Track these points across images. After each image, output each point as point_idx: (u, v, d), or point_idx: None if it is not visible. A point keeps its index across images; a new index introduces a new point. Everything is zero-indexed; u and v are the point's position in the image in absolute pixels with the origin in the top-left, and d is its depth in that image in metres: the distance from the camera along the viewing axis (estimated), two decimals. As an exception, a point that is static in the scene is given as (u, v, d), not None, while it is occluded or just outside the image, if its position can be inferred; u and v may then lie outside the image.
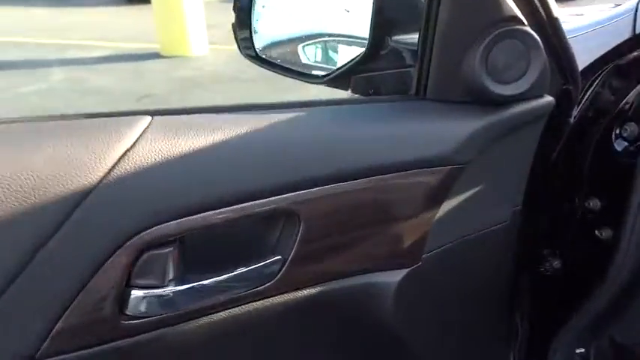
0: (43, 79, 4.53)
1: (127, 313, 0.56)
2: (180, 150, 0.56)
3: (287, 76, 0.94)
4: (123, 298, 0.56)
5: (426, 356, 0.80)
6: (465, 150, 0.73)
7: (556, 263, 0.91)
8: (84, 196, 0.51)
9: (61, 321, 0.53)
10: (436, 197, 0.73)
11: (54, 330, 0.53)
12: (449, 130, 0.72)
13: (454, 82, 0.73)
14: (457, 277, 0.80)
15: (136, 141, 0.55)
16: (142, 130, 0.56)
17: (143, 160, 0.54)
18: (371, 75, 0.85)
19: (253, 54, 0.95)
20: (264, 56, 0.95)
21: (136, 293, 0.56)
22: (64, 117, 0.57)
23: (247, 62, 0.95)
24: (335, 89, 0.90)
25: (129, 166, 0.54)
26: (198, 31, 5.58)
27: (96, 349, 0.56)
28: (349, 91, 0.88)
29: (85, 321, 0.54)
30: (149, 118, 0.58)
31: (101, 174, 0.52)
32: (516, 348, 0.95)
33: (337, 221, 0.67)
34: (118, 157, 0.53)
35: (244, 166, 0.60)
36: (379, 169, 0.68)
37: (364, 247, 0.70)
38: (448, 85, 0.74)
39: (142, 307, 0.57)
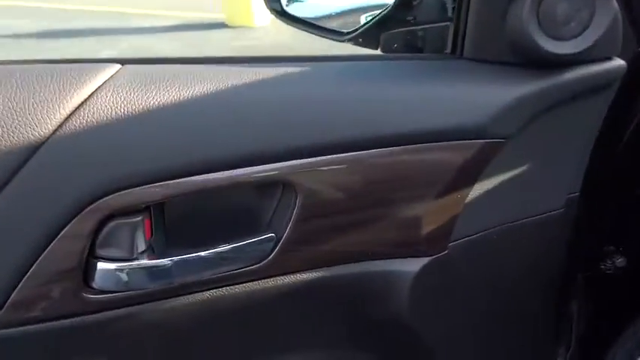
0: (110, 47, 4.66)
1: (94, 286, 0.50)
2: (151, 102, 0.48)
3: (312, 33, 0.84)
4: (87, 270, 0.50)
5: (442, 353, 0.69)
6: (507, 121, 0.60)
7: (620, 261, 0.78)
8: (32, 151, 0.45)
9: (17, 290, 0.48)
10: (469, 176, 0.62)
11: (10, 299, 0.48)
12: (488, 96, 0.60)
13: (497, 38, 0.60)
14: (490, 270, 0.69)
15: (97, 89, 0.47)
16: (106, 78, 0.48)
17: (104, 112, 0.47)
18: (401, 31, 0.73)
19: (279, 8, 0.87)
20: (289, 12, 0.86)
21: (102, 266, 0.50)
22: (21, 62, 0.51)
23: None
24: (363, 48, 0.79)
25: (87, 118, 0.46)
26: (261, 3, 5.61)
27: (61, 322, 0.50)
28: (378, 51, 0.77)
29: (46, 292, 0.49)
30: (118, 66, 0.50)
31: (52, 127, 0.45)
32: (568, 350, 0.83)
33: (344, 197, 0.57)
34: (73, 107, 0.46)
35: (232, 126, 0.51)
36: (400, 138, 0.57)
37: (377, 229, 0.60)
38: (489, 42, 0.62)
39: (110, 282, 0.51)
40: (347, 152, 0.55)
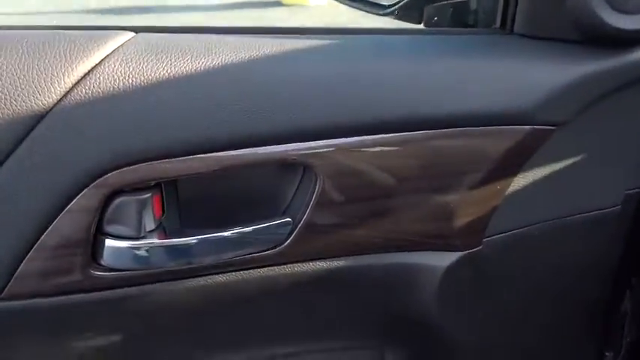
0: (162, 23, 4.71)
1: (102, 263, 0.48)
2: (163, 72, 0.45)
3: (353, 7, 0.79)
4: (95, 247, 0.48)
5: (472, 355, 0.64)
6: (559, 106, 0.54)
7: None
8: (36, 120, 0.43)
9: (25, 262, 0.46)
10: (512, 165, 0.56)
11: (18, 270, 0.46)
12: (539, 77, 0.54)
13: (553, 12, 0.54)
14: (529, 271, 0.63)
15: (106, 57, 0.45)
16: (116, 46, 0.45)
17: (113, 81, 0.44)
18: (446, 3, 0.67)
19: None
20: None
21: (111, 243, 0.48)
22: (27, 27, 0.48)
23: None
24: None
25: (94, 87, 0.44)
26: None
27: (69, 297, 0.49)
28: (421, 25, 0.71)
29: (54, 266, 0.47)
30: (130, 33, 0.47)
31: (58, 95, 0.43)
32: (618, 356, 0.75)
33: (370, 182, 0.52)
34: (80, 76, 0.44)
35: (252, 101, 0.48)
36: (437, 121, 0.52)
37: (405, 219, 0.55)
38: (544, 16, 0.55)
39: (119, 259, 0.48)
40: (375, 134, 0.51)
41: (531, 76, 0.54)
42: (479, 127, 0.53)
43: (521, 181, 0.57)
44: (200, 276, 0.52)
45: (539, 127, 0.54)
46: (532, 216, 0.60)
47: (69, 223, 0.46)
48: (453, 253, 0.57)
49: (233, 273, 0.53)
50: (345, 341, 0.65)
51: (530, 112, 0.53)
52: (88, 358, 0.54)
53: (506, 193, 0.57)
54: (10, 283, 0.47)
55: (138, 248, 0.48)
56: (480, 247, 0.58)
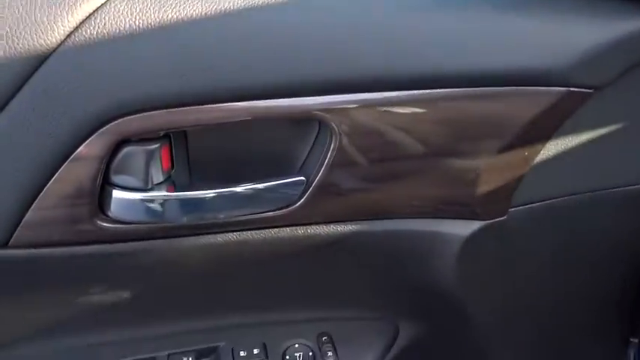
0: None
1: (109, 215, 0.47)
2: (175, 14, 0.43)
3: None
4: (103, 197, 0.46)
5: (490, 330, 0.62)
6: (599, 67, 0.50)
7: None
8: (39, 62, 0.41)
9: (30, 210, 0.45)
10: (542, 131, 0.52)
11: (25, 219, 0.45)
12: (579, 33, 0.50)
13: None
14: (555, 246, 0.59)
15: None
16: None
17: (120, 22, 0.42)
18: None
19: None
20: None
21: (118, 194, 0.46)
22: None
23: None
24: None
25: (100, 27, 0.42)
26: None
27: (75, 248, 0.48)
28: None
29: (60, 214, 0.46)
30: None
31: (61, 35, 0.41)
32: None
33: (390, 142, 0.49)
34: (85, 15, 0.41)
35: (268, 48, 0.45)
36: (463, 78, 0.48)
37: (425, 184, 0.52)
38: None
39: (126, 211, 0.47)
40: (398, 91, 0.48)
41: (569, 32, 0.49)
42: (508, 87, 0.49)
43: (551, 148, 0.54)
44: (209, 234, 0.51)
45: (575, 89, 0.50)
46: (561, 187, 0.57)
47: (75, 172, 0.44)
48: (475, 222, 0.55)
49: (243, 232, 0.51)
50: (357, 311, 0.63)
51: (565, 73, 0.49)
52: (93, 311, 0.54)
53: (535, 161, 0.53)
54: (16, 232, 0.46)
55: (146, 200, 0.47)
56: (504, 217, 0.55)
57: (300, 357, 0.60)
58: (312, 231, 0.53)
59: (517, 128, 0.51)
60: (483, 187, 0.53)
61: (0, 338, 0.54)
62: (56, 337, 0.55)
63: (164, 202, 0.47)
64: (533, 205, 0.56)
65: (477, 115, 0.50)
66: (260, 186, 0.49)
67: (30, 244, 0.47)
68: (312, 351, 0.60)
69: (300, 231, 0.52)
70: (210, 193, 0.48)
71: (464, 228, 0.55)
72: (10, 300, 0.51)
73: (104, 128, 0.43)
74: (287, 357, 0.60)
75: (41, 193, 0.45)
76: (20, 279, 0.49)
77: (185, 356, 0.57)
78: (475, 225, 0.55)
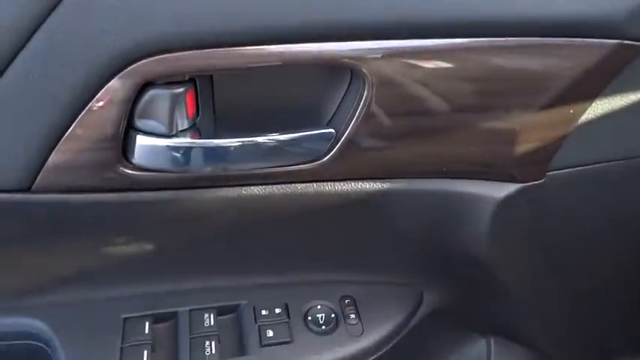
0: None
1: (133, 162, 0.46)
2: None
3: None
4: (127, 143, 0.45)
5: (519, 299, 0.59)
6: None
7: None
8: (55, 0, 0.39)
9: (54, 154, 0.44)
10: (590, 87, 0.49)
11: (47, 163, 0.45)
12: None
13: None
14: (596, 214, 0.56)
15: None
16: None
17: None
18: None
19: None
20: None
21: (142, 140, 0.45)
22: None
23: None
24: None
25: None
26: None
27: (99, 195, 0.47)
28: None
29: (83, 159, 0.45)
30: None
31: None
32: None
33: (425, 95, 0.47)
34: None
35: None
36: (504, 27, 0.45)
37: (461, 141, 0.50)
38: None
39: (150, 158, 0.46)
40: (435, 38, 0.45)
41: None
42: (554, 37, 0.46)
43: (598, 107, 0.50)
44: (233, 186, 0.49)
45: (629, 42, 0.46)
46: (607, 151, 0.53)
47: (98, 115, 0.43)
48: (511, 184, 0.52)
49: (268, 186, 0.50)
50: (381, 275, 0.62)
51: (620, 24, 0.45)
52: (115, 263, 0.53)
53: (580, 120, 0.50)
54: (39, 176, 0.45)
55: (170, 147, 0.45)
56: (542, 180, 0.52)
57: (322, 318, 0.58)
58: (339, 188, 0.51)
59: (563, 83, 0.47)
60: (522, 147, 0.50)
61: (21, 286, 0.54)
62: (77, 288, 0.55)
63: (188, 150, 0.46)
64: (573, 169, 0.53)
65: (519, 67, 0.47)
66: (287, 137, 0.47)
67: (53, 189, 0.46)
68: (334, 313, 0.59)
69: (326, 187, 0.51)
70: (235, 143, 0.46)
71: (498, 190, 0.52)
72: (32, 247, 0.51)
73: (127, 69, 0.42)
74: (309, 318, 0.59)
75: (64, 137, 0.44)
76: (43, 225, 0.49)
77: (207, 312, 0.56)
78: (510, 187, 0.52)
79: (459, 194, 0.52)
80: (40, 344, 0.53)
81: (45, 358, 0.52)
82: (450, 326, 0.71)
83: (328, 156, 0.48)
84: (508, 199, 0.52)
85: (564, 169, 0.53)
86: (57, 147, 0.44)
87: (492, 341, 0.73)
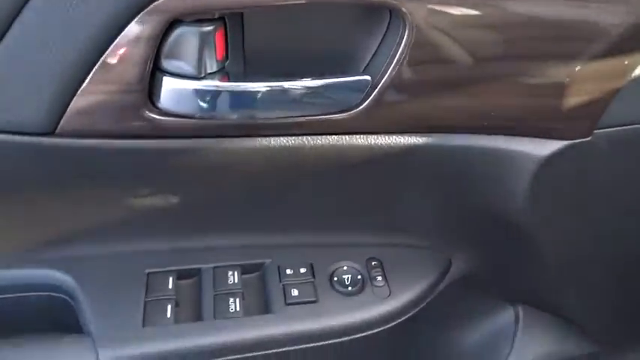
0: None
1: (159, 106, 0.44)
2: None
3: None
4: (153, 86, 0.43)
5: (557, 267, 0.57)
6: None
7: None
8: None
9: (77, 95, 0.42)
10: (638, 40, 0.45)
11: (71, 105, 0.43)
12: None
13: None
14: None
15: None
16: None
17: None
18: None
19: None
20: None
21: (169, 82, 0.43)
22: None
23: None
24: None
25: None
26: None
27: (123, 142, 0.45)
28: None
29: (108, 102, 0.43)
30: None
31: None
32: None
33: (470, 42, 0.44)
34: None
35: None
36: None
37: (504, 94, 0.47)
38: None
39: (177, 102, 0.43)
40: None
41: None
42: None
43: None
44: (262, 136, 0.47)
45: None
46: None
47: (124, 54, 0.41)
48: (555, 141, 0.49)
49: (299, 137, 0.47)
50: (410, 238, 0.59)
51: None
52: (139, 215, 0.52)
53: (634, 73, 0.47)
54: (62, 119, 0.43)
55: (198, 91, 0.43)
56: (589, 138, 0.49)
57: (348, 279, 0.57)
58: (372, 142, 0.48)
59: (619, 31, 0.44)
60: (570, 101, 0.47)
61: (44, 237, 0.52)
62: (101, 241, 0.53)
63: (216, 94, 0.43)
64: (623, 127, 0.50)
65: (573, 12, 0.43)
66: (319, 84, 0.45)
67: (77, 133, 0.44)
68: (360, 274, 0.57)
69: (358, 140, 0.48)
70: (264, 88, 0.44)
71: (541, 148, 0.49)
72: (55, 196, 0.49)
73: (153, 5, 0.39)
74: (335, 278, 0.57)
75: (87, 78, 0.42)
76: (66, 172, 0.47)
77: (231, 270, 0.55)
78: (554, 145, 0.49)
79: (499, 151, 0.49)
80: (63, 296, 0.52)
81: (68, 310, 0.51)
82: (478, 293, 0.69)
83: (363, 105, 0.45)
84: (551, 158, 0.49)
85: (614, 126, 0.49)
86: (81, 88, 0.42)
87: (520, 309, 0.71)
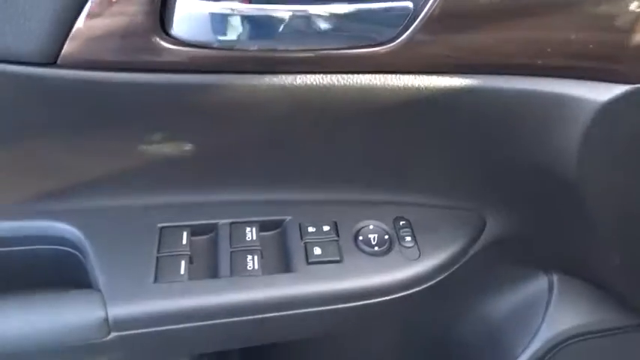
0: None
1: (171, 33, 0.39)
2: None
3: None
4: (165, 12, 0.38)
5: (607, 228, 0.52)
6: None
7: None
8: None
9: (80, 18, 0.37)
10: None
11: (73, 29, 0.38)
12: None
13: None
14: None
15: None
16: None
17: None
18: None
19: None
20: None
21: (183, 5, 0.38)
22: None
23: None
24: None
25: None
26: None
27: (132, 75, 0.40)
28: None
29: (114, 25, 0.38)
30: None
31: None
32: None
33: None
34: None
35: None
36: None
37: (560, 27, 0.41)
38: None
39: (191, 28, 0.39)
40: None
41: None
42: None
43: None
44: (285, 72, 0.42)
45: None
46: None
47: None
48: (618, 85, 0.43)
49: (326, 75, 0.42)
50: (440, 196, 0.54)
51: None
52: (150, 165, 0.48)
53: None
54: (64, 47, 0.38)
55: (215, 14, 0.38)
56: None
57: (374, 239, 0.52)
58: (410, 83, 0.43)
59: None
60: (632, 38, 0.41)
61: (49, 187, 0.48)
62: (109, 193, 0.49)
63: (235, 19, 0.38)
64: None
65: None
66: (351, 10, 0.39)
67: (80, 63, 0.39)
68: (387, 234, 0.53)
69: (393, 81, 0.43)
70: (288, 12, 0.38)
71: (602, 92, 0.43)
72: (59, 140, 0.45)
73: None
74: (360, 238, 0.52)
75: (87, 4, 0.37)
76: (70, 110, 0.42)
77: (249, 226, 0.50)
78: (616, 89, 0.43)
79: (549, 96, 0.44)
80: (71, 250, 0.48)
81: (75, 264, 0.48)
82: (511, 259, 0.64)
83: (402, 37, 0.40)
84: (612, 104, 0.43)
85: None
86: (83, 10, 0.37)
87: (555, 277, 0.66)
